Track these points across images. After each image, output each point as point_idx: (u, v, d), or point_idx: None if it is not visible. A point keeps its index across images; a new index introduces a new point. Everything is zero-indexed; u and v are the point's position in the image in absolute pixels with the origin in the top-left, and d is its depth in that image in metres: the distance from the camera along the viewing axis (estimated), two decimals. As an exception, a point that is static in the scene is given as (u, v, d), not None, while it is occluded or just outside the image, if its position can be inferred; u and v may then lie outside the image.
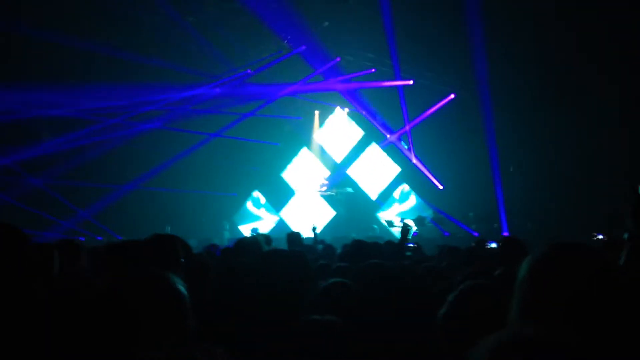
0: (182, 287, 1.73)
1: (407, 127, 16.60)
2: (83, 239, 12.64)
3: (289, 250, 4.19)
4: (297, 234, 6.45)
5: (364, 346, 1.97)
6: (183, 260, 2.96)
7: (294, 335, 1.89)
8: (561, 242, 1.55)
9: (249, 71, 16.30)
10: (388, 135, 17.58)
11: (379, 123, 17.52)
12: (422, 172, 16.81)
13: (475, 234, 14.40)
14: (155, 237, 3.06)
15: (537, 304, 1.47)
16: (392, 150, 17.97)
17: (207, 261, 3.56)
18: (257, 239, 4.34)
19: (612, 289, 1.46)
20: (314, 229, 8.60)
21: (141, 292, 1.69)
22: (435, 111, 16.54)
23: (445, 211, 15.80)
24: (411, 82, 16.17)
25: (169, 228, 13.76)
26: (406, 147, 17.24)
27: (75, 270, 3.61)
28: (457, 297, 2.07)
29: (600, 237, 9.75)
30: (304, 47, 15.88)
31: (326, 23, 14.92)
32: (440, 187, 16.52)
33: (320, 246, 7.18)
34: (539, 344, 1.02)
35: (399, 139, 17.34)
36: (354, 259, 3.95)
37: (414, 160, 16.94)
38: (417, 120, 16.68)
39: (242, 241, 4.34)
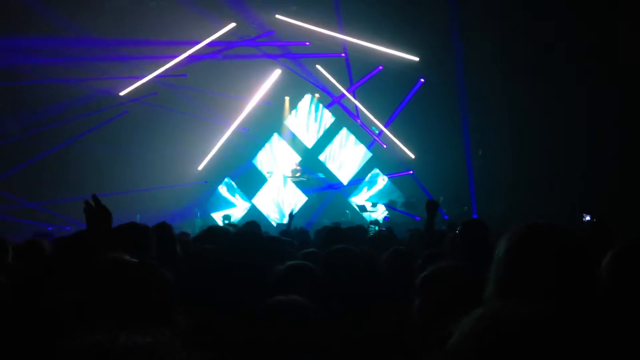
0: (165, 273, 1.73)
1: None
2: (51, 228, 12.40)
3: (253, 234, 4.16)
4: (255, 223, 6.36)
5: (329, 327, 1.96)
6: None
7: (258, 315, 1.87)
8: (536, 222, 1.61)
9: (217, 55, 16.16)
10: (358, 121, 17.62)
11: (349, 106, 17.54)
12: (392, 155, 16.93)
13: (446, 217, 14.55)
14: (129, 225, 3.03)
15: (514, 281, 1.51)
16: (363, 135, 18.01)
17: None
18: (227, 229, 4.31)
19: (583, 265, 1.52)
20: (291, 213, 8.54)
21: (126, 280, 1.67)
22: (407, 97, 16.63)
23: (415, 195, 15.93)
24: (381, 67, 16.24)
25: (139, 216, 13.54)
26: (376, 132, 17.30)
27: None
28: (424, 283, 2.08)
29: (588, 218, 9.89)
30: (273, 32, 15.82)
31: (294, 7, 14.84)
32: (413, 156, 16.59)
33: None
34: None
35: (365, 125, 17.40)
36: (326, 245, 3.93)
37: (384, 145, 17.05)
38: (397, 111, 16.77)
39: (212, 229, 4.31)
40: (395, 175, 17.22)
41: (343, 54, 16.25)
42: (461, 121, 15.08)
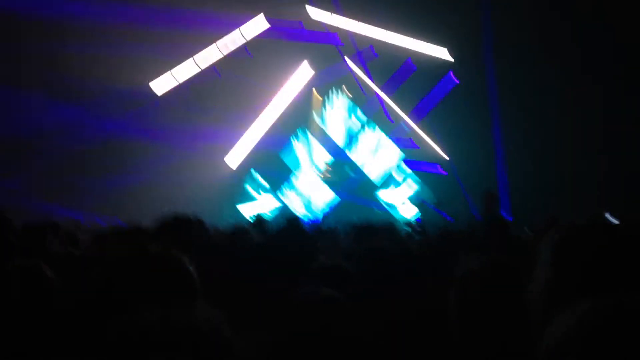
0: (190, 267, 1.74)
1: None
2: (81, 218, 12.61)
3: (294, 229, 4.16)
4: (298, 218, 6.40)
5: (365, 322, 1.97)
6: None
7: (292, 306, 1.89)
8: (582, 223, 1.59)
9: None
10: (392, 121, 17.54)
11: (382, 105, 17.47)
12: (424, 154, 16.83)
13: (478, 217, 14.37)
14: (174, 218, 3.06)
15: (563, 282, 1.49)
16: (394, 133, 17.89)
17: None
18: (248, 230, 4.32)
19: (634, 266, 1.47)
20: (324, 214, 8.60)
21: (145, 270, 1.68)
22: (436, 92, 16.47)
23: (447, 195, 15.79)
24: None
25: (166, 209, 13.59)
26: (408, 131, 17.18)
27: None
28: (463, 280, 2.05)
29: (610, 217, 9.71)
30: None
31: None
32: (447, 157, 16.44)
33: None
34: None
35: (402, 124, 17.29)
36: (358, 243, 3.93)
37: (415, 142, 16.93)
38: (420, 105, 16.64)
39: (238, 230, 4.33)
40: (426, 170, 17.01)
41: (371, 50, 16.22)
42: (492, 119, 14.91)
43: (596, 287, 1.41)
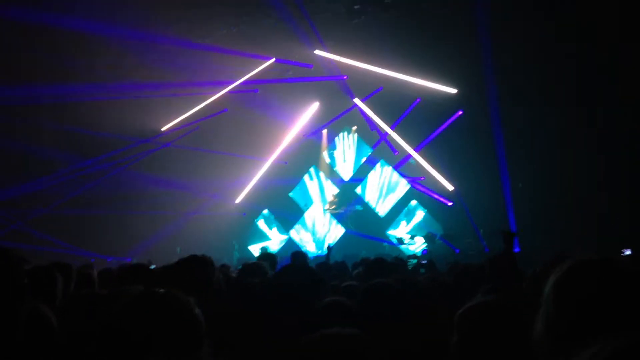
0: (198, 311, 1.73)
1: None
2: (93, 260, 12.66)
3: (299, 265, 4.19)
4: (302, 253, 6.43)
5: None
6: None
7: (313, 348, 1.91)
8: (583, 257, 1.56)
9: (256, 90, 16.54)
10: (396, 153, 17.68)
11: (386, 141, 17.62)
12: (430, 189, 16.86)
13: (487, 249, 14.32)
14: (192, 258, 3.05)
15: (564, 318, 1.48)
16: (400, 167, 18.01)
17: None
18: (261, 264, 4.35)
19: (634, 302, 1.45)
20: (330, 246, 8.58)
21: (149, 312, 1.69)
22: (444, 128, 16.62)
23: (454, 228, 15.78)
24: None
25: (180, 249, 13.73)
26: (414, 164, 17.28)
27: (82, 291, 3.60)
28: (462, 318, 2.05)
29: (628, 252, 9.62)
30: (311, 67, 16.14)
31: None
32: (451, 188, 16.50)
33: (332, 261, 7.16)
34: None
35: (407, 157, 17.40)
36: (366, 277, 3.96)
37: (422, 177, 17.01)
38: (428, 139, 16.79)
39: (247, 266, 4.36)
40: (435, 197, 17.01)
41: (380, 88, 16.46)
42: (498, 153, 14.96)
43: (598, 324, 1.41)
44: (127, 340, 1.60)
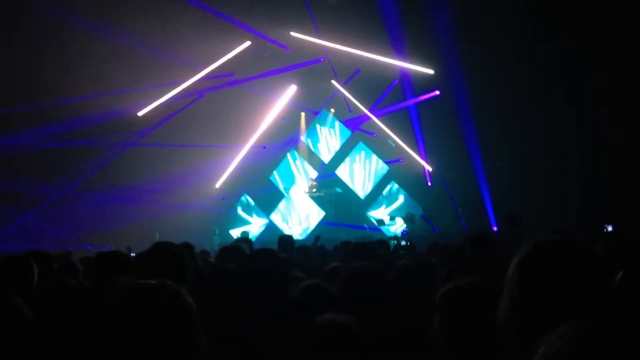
0: (190, 300, 1.70)
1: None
2: (72, 249, 12.52)
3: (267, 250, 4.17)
4: (289, 237, 6.43)
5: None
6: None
7: (308, 336, 1.91)
8: (546, 238, 1.57)
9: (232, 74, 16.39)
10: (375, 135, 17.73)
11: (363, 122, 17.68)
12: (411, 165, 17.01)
13: (465, 228, 14.47)
14: (158, 245, 2.96)
15: (526, 298, 1.49)
16: (379, 149, 18.07)
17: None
18: (239, 247, 4.32)
19: (596, 280, 1.49)
20: (318, 236, 8.69)
21: (148, 305, 1.65)
22: (418, 107, 16.64)
23: (433, 208, 15.91)
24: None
25: (158, 235, 13.61)
26: (392, 145, 17.33)
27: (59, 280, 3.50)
28: (444, 299, 2.08)
29: (610, 228, 9.76)
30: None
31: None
32: (430, 168, 16.63)
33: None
34: None
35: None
36: (346, 259, 3.96)
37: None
38: (394, 107, 16.90)
39: (225, 249, 4.32)
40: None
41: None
42: (475, 133, 15.04)
43: (560, 305, 1.44)
44: (126, 333, 1.59)
